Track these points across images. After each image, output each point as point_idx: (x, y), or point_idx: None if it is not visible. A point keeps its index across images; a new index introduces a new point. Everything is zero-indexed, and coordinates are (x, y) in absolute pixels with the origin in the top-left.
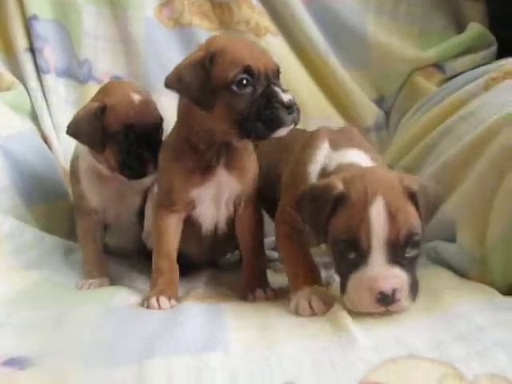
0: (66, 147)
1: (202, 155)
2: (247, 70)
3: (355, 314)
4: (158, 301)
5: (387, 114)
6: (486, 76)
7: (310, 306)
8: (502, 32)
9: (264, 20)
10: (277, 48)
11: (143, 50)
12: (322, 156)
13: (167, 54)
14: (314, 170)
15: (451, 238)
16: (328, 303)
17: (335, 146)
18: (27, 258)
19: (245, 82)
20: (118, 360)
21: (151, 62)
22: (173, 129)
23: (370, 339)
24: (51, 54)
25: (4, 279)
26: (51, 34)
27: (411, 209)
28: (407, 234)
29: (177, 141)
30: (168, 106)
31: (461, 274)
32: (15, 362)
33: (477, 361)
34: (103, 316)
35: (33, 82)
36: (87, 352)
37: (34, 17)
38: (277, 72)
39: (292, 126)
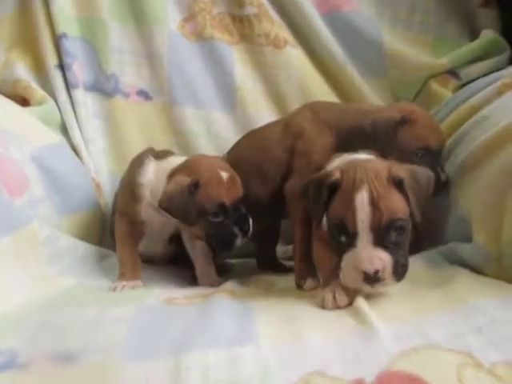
0: (96, 159)
1: None
2: None
3: (377, 307)
4: None
5: None
6: (499, 82)
7: (334, 299)
8: None
9: (283, 32)
10: (296, 59)
11: (167, 64)
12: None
13: (190, 67)
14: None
15: (468, 238)
16: (351, 297)
17: None
18: (61, 264)
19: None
20: (154, 353)
21: (174, 75)
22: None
23: (391, 330)
24: (79, 70)
25: (39, 285)
26: (79, 50)
27: (396, 196)
28: (389, 219)
29: None
30: (192, 117)
31: (478, 271)
32: (59, 357)
33: (493, 350)
34: (138, 313)
35: (62, 96)
36: (124, 347)
37: (64, 35)
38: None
39: None
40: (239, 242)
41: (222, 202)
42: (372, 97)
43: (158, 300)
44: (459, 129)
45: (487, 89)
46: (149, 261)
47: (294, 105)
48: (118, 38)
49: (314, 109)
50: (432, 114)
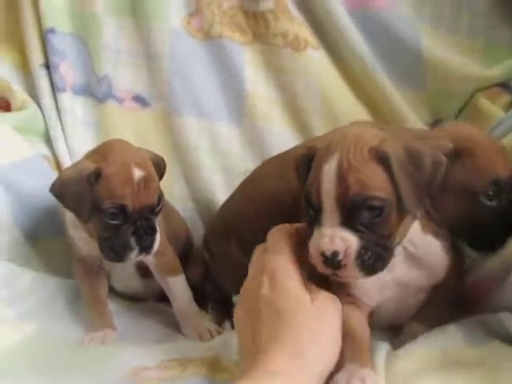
0: None
1: None
2: None
3: None
4: None
5: None
6: None
7: None
8: None
9: (304, 32)
10: (318, 63)
11: (167, 66)
12: None
13: (193, 70)
14: None
15: None
16: None
17: None
18: (22, 307)
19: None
20: None
21: (176, 78)
22: None
23: None
24: (68, 71)
25: None
26: (69, 48)
27: (374, 170)
28: (358, 194)
29: None
30: (194, 129)
31: None
32: None
33: None
34: None
35: (47, 100)
36: None
37: (51, 30)
38: None
39: None
40: (133, 256)
41: (122, 204)
42: (406, 111)
43: (121, 372)
44: None
45: None
46: (132, 299)
47: (313, 118)
48: (113, 35)
49: None
50: None
